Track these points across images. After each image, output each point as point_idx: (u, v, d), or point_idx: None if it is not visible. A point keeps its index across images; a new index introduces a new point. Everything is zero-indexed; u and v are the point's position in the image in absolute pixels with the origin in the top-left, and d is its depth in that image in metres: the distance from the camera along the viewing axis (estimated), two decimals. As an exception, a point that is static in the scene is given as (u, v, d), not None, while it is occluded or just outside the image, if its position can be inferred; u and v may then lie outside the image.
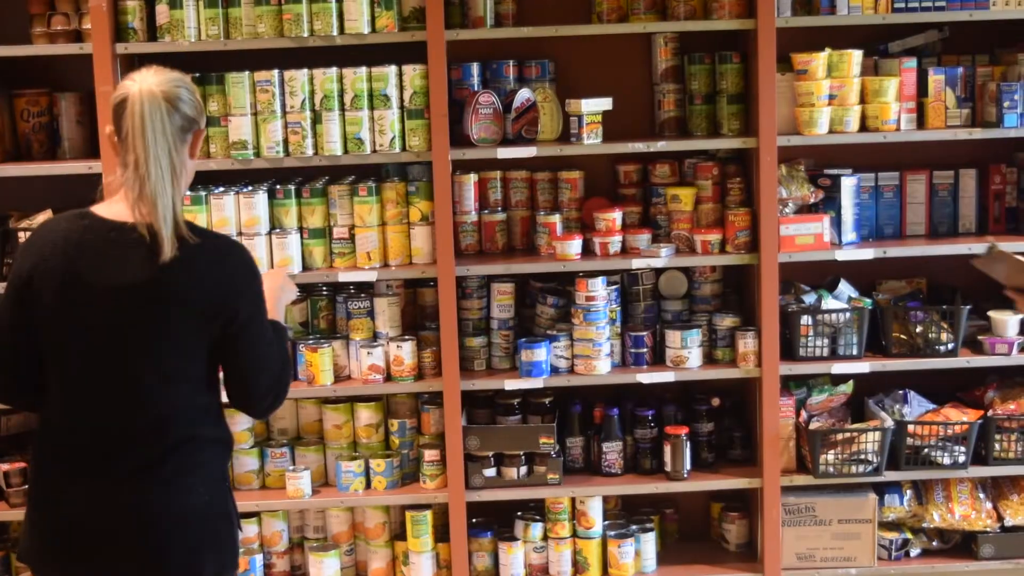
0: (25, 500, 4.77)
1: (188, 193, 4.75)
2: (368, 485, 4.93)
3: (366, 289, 4.94)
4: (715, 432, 5.08)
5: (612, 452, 4.94)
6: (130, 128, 2.97)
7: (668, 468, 4.92)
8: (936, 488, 5.00)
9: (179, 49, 4.70)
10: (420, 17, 4.66)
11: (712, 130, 4.95)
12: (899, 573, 4.98)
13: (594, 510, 4.96)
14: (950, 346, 4.87)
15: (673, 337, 4.87)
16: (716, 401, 5.08)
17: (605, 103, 4.79)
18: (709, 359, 4.95)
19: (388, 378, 4.85)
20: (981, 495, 4.98)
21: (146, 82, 2.99)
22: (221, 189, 4.81)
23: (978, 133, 4.79)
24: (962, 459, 4.86)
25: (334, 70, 4.71)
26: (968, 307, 4.86)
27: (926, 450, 4.87)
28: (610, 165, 5.10)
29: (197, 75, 4.79)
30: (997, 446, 4.88)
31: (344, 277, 4.80)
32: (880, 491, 4.97)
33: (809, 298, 4.95)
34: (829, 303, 4.91)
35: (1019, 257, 3.78)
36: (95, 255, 2.99)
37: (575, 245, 4.79)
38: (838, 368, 4.87)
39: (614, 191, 5.09)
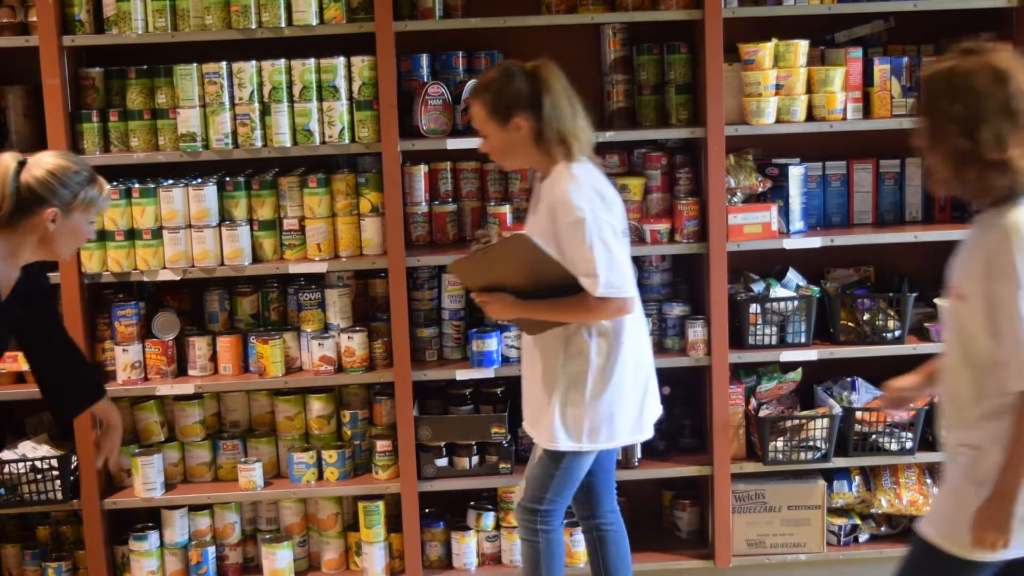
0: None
1: (137, 186, 4.74)
2: (320, 476, 4.93)
3: (317, 281, 4.95)
4: (665, 420, 5.08)
5: (563, 441, 4.96)
6: None
7: (619, 456, 4.94)
8: (884, 474, 5.05)
9: (126, 41, 4.68)
10: (368, 8, 4.66)
11: (661, 120, 4.97)
12: (848, 558, 5.03)
13: (546, 499, 4.98)
14: (897, 333, 4.91)
15: (623, 326, 4.90)
16: (666, 390, 5.08)
17: (554, 94, 4.80)
18: (659, 348, 4.98)
19: (339, 369, 4.85)
20: (928, 480, 5.04)
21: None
22: (170, 182, 4.80)
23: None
24: (909, 445, 4.91)
25: (282, 62, 4.71)
26: (915, 294, 4.91)
27: (874, 436, 4.92)
28: (560, 155, 5.11)
29: (145, 67, 4.79)
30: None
31: (295, 269, 4.80)
32: (829, 477, 5.02)
33: (758, 287, 4.98)
34: (777, 291, 4.94)
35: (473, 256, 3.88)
36: None
37: (525, 235, 4.80)
38: (787, 356, 4.91)
39: (564, 181, 5.10)
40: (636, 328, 4.06)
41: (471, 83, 3.91)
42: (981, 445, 3.13)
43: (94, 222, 3.62)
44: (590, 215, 3.80)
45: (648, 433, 4.18)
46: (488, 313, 4.06)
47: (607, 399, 3.99)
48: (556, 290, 3.86)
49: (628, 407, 4.06)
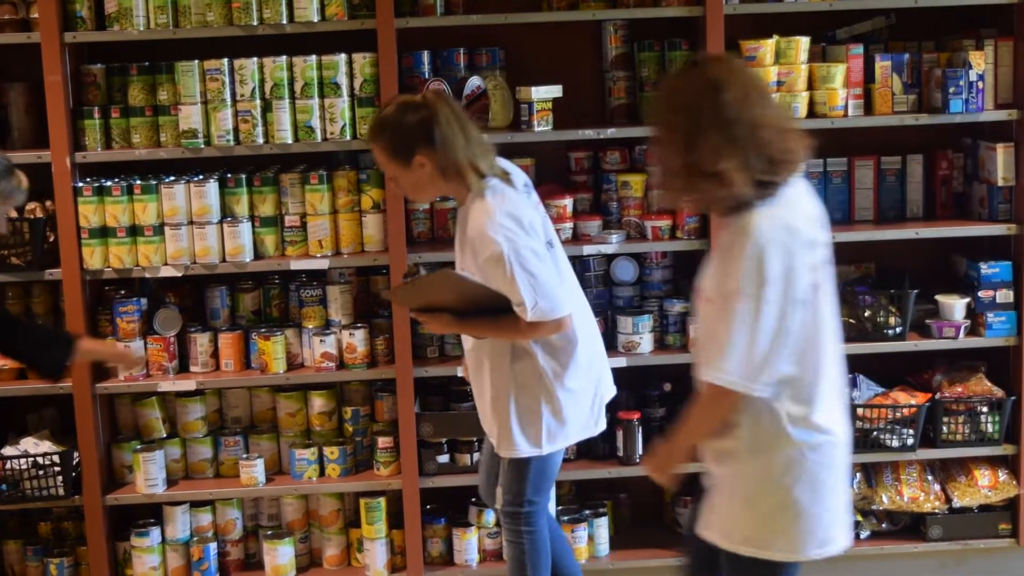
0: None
1: (138, 182, 4.75)
2: (322, 473, 4.94)
3: (318, 277, 4.95)
4: (667, 417, 5.10)
5: (565, 438, 4.96)
6: None
7: (621, 453, 4.96)
8: (885, 471, 5.05)
9: (127, 38, 4.69)
10: (370, 5, 4.67)
11: (662, 117, 4.96)
12: (849, 555, 4.97)
13: (547, 495, 4.99)
14: (898, 330, 4.91)
15: (624, 323, 4.90)
16: (667, 386, 5.11)
17: (555, 90, 4.81)
18: (660, 344, 4.98)
19: (341, 366, 4.86)
20: (929, 477, 5.04)
21: None
22: (172, 178, 4.80)
23: (924, 119, 4.84)
24: (910, 442, 4.91)
25: (284, 58, 4.71)
26: (916, 291, 4.91)
27: (875, 433, 4.92)
28: (561, 152, 5.12)
29: (146, 64, 4.79)
30: (945, 428, 4.94)
31: (296, 265, 4.81)
32: (830, 474, 5.01)
33: (759, 283, 4.98)
34: (779, 288, 4.94)
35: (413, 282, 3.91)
36: None
37: (526, 232, 4.80)
38: (788, 352, 4.91)
39: (565, 178, 5.11)
40: (583, 324, 4.05)
41: (369, 126, 3.90)
42: (736, 449, 3.20)
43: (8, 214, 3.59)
44: (507, 246, 3.75)
45: (602, 425, 4.20)
46: (430, 331, 4.06)
47: (560, 401, 4.00)
48: (493, 309, 3.86)
49: (582, 404, 4.08)
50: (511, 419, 4.00)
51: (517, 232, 3.79)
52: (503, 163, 4.03)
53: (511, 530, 4.17)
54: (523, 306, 3.77)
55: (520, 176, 4.04)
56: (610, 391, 4.23)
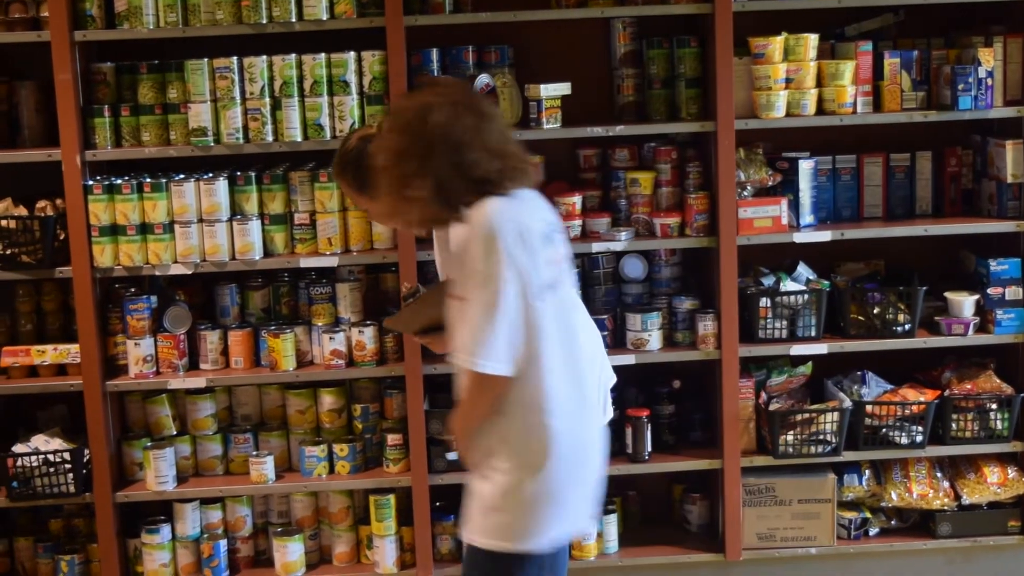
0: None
1: (148, 180, 4.76)
2: (331, 470, 4.95)
3: (328, 275, 4.96)
4: (676, 414, 5.12)
5: (574, 435, 4.96)
6: None
7: (629, 450, 4.96)
8: (894, 468, 5.05)
9: (137, 36, 4.70)
10: (379, 3, 4.67)
11: (671, 114, 4.97)
12: (858, 552, 5.04)
13: (556, 492, 4.99)
14: (907, 327, 4.91)
15: (633, 320, 4.91)
16: (676, 383, 5.12)
17: (564, 88, 4.81)
18: (669, 342, 4.99)
19: (350, 363, 4.86)
20: (938, 474, 5.04)
21: None
22: (181, 176, 4.81)
23: (933, 116, 4.84)
24: (919, 439, 4.91)
25: (293, 56, 4.72)
26: (925, 288, 4.90)
27: (884, 430, 4.92)
28: (570, 149, 5.12)
29: (156, 62, 4.81)
30: (954, 425, 4.94)
31: (305, 263, 4.82)
32: (839, 471, 5.02)
33: (768, 280, 4.99)
34: (788, 285, 4.95)
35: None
36: None
37: (535, 229, 4.81)
38: (797, 350, 4.92)
39: (574, 175, 5.12)
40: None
41: (333, 162, 3.90)
42: (490, 446, 3.23)
43: None
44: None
45: (609, 413, 4.15)
46: (435, 351, 4.04)
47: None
48: None
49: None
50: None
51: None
52: None
53: None
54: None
55: None
56: (611, 378, 4.20)
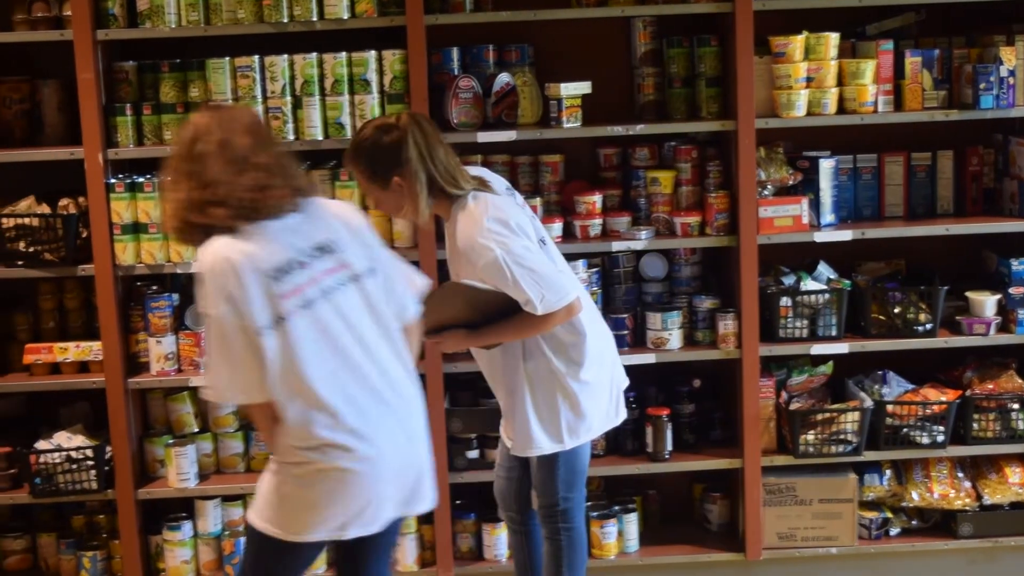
0: (10, 485, 4.83)
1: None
2: (352, 468, 4.95)
3: (348, 273, 4.96)
4: (696, 413, 5.11)
5: (594, 433, 4.97)
6: None
7: (650, 449, 4.96)
8: (915, 468, 5.03)
9: (159, 35, 4.72)
10: (399, 2, 4.68)
11: (691, 113, 4.97)
12: (879, 552, 5.02)
13: (576, 491, 4.99)
14: (928, 326, 4.90)
15: (653, 319, 4.90)
16: (697, 383, 5.11)
17: (584, 87, 4.81)
18: (689, 341, 4.98)
19: (371, 361, 4.87)
20: (960, 474, 5.02)
21: None
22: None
23: (955, 115, 4.83)
24: (941, 439, 4.90)
25: (314, 55, 4.73)
26: (946, 288, 4.89)
27: (905, 430, 4.91)
28: (590, 148, 5.12)
29: (178, 61, 4.83)
30: (975, 425, 4.92)
31: (326, 261, 4.82)
32: (860, 471, 5.01)
33: (788, 280, 4.98)
34: (808, 284, 4.94)
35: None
36: None
37: (556, 228, 4.82)
38: (818, 349, 4.91)
39: (594, 174, 5.12)
40: (590, 315, 4.08)
41: (347, 150, 3.96)
42: (274, 446, 3.45)
43: None
44: (499, 250, 3.79)
45: (623, 414, 4.22)
46: (445, 350, 4.07)
47: (577, 395, 4.01)
48: (503, 312, 3.89)
49: (600, 396, 4.09)
50: (529, 418, 4.01)
51: (505, 234, 3.83)
52: (480, 171, 4.09)
53: (549, 528, 4.19)
54: (531, 303, 3.81)
55: (500, 181, 4.07)
56: (624, 380, 4.24)
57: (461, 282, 3.91)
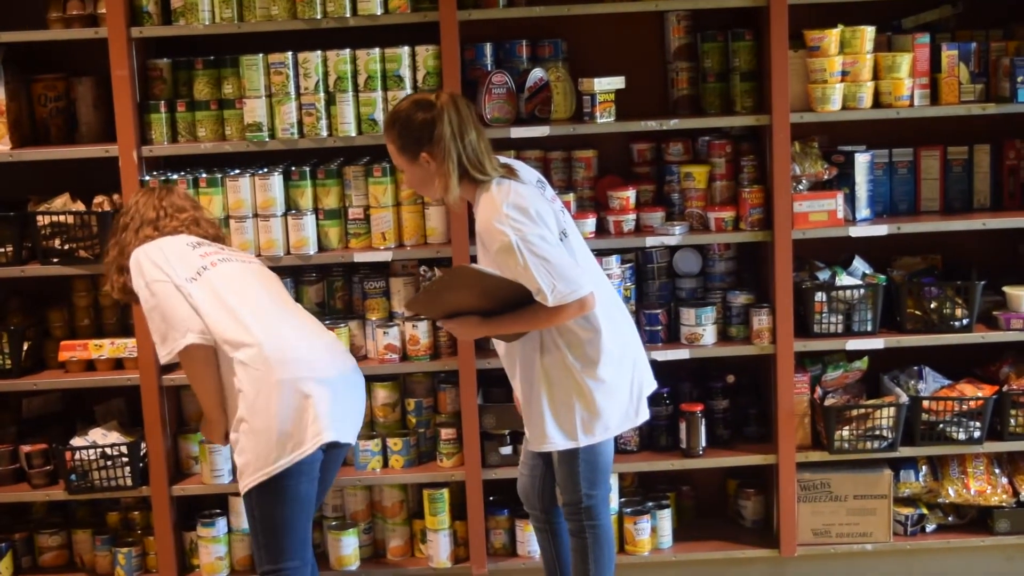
0: (46, 481, 4.85)
1: (204, 176, 4.79)
2: (385, 464, 4.96)
3: (381, 269, 4.97)
4: (730, 409, 5.10)
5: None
6: None
7: (684, 445, 4.95)
8: (951, 464, 5.01)
9: (193, 32, 4.73)
10: (432, -2, 4.69)
11: (725, 108, 4.95)
12: (915, 548, 5.00)
13: (610, 487, 4.99)
14: (965, 322, 4.87)
15: (687, 314, 4.89)
16: (731, 378, 5.10)
17: (618, 82, 4.80)
18: (723, 336, 4.97)
19: (404, 357, 4.88)
20: (996, 470, 4.99)
21: None
22: (236, 171, 4.84)
23: (992, 108, 4.79)
24: (977, 434, 4.87)
25: (347, 51, 4.73)
26: (983, 282, 4.86)
27: (941, 426, 4.88)
28: (624, 144, 5.11)
29: (212, 58, 4.83)
30: (1012, 421, 4.89)
31: (359, 258, 4.83)
32: (895, 467, 4.98)
33: (823, 275, 4.95)
34: (843, 279, 4.91)
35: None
36: None
37: (589, 224, 4.81)
38: (853, 344, 4.88)
39: (628, 169, 5.11)
40: (610, 313, 4.05)
41: (384, 118, 3.97)
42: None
43: None
44: (514, 235, 3.78)
45: (644, 415, 4.18)
46: (458, 337, 4.05)
47: (592, 393, 3.99)
48: (517, 302, 3.88)
49: (618, 395, 4.05)
50: (544, 413, 4.00)
51: (523, 221, 3.81)
52: (512, 162, 4.07)
53: (575, 524, 4.18)
54: (542, 292, 3.79)
55: (532, 173, 4.07)
56: (649, 383, 4.20)
57: (472, 266, 3.89)
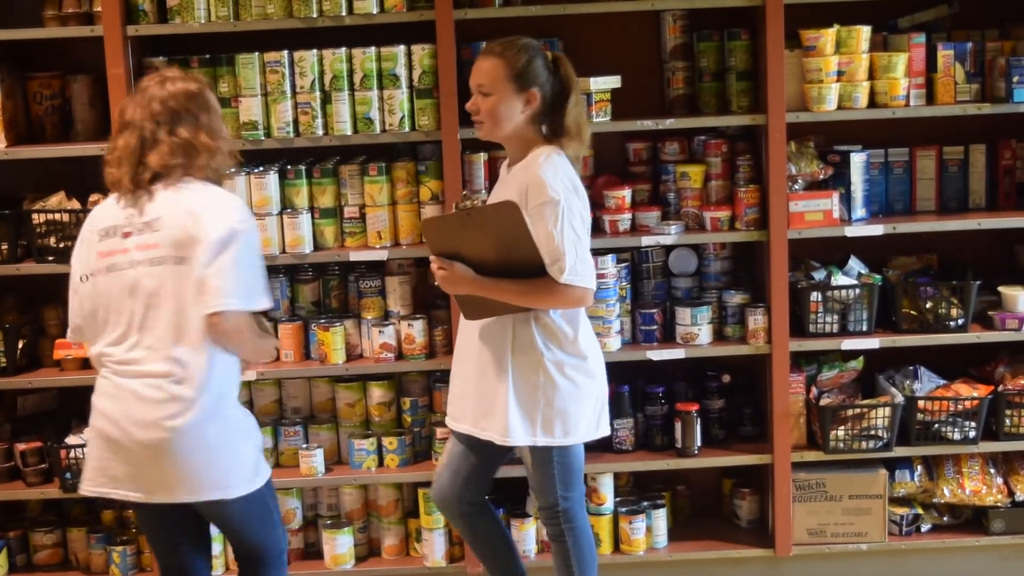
0: (41, 479, 4.84)
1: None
2: (380, 463, 4.96)
3: (377, 268, 4.97)
4: (725, 408, 5.10)
5: (623, 429, 4.96)
6: None
7: (679, 445, 4.95)
8: (947, 463, 5.01)
9: (189, 31, 4.73)
10: (428, -4, 4.69)
11: (721, 107, 4.95)
12: (910, 548, 5.00)
13: (605, 487, 4.98)
14: (960, 321, 4.87)
15: (683, 314, 4.89)
16: (726, 378, 5.10)
17: (614, 81, 4.80)
18: (719, 336, 4.97)
19: (400, 356, 4.88)
20: (992, 470, 4.99)
21: None
22: (232, 170, 4.81)
23: (987, 108, 4.79)
24: (972, 434, 4.87)
25: (343, 50, 4.73)
26: (978, 283, 4.86)
27: (936, 426, 4.88)
28: (619, 143, 5.11)
29: (207, 56, 4.83)
30: (1008, 421, 4.89)
31: (355, 256, 4.83)
32: (891, 467, 4.98)
33: (819, 274, 4.95)
34: (839, 279, 4.91)
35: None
36: None
37: (585, 223, 4.80)
38: (848, 344, 4.88)
39: (624, 169, 5.11)
40: (589, 322, 4.13)
41: (503, 40, 3.94)
42: None
43: None
44: (564, 200, 3.82)
45: (606, 430, 4.18)
46: (441, 283, 3.99)
47: (563, 392, 4.00)
48: (518, 272, 3.86)
49: (587, 400, 4.06)
50: (508, 406, 3.99)
51: (575, 197, 3.88)
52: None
53: (553, 528, 4.19)
54: (561, 263, 3.80)
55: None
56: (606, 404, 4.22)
57: (520, 209, 3.79)
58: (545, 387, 3.98)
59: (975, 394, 4.87)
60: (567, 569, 4.20)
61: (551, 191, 3.81)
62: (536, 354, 3.97)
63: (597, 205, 4.93)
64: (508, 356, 3.98)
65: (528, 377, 3.98)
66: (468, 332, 4.10)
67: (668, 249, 5.02)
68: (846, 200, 4.88)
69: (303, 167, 4.86)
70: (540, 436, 4.01)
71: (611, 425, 4.90)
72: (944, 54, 4.79)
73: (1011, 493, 4.95)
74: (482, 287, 3.92)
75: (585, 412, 4.06)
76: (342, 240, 4.88)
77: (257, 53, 4.74)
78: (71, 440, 4.88)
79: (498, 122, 3.98)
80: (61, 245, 4.78)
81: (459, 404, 4.18)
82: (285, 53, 4.73)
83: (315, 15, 4.68)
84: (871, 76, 4.80)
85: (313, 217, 4.85)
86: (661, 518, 5.03)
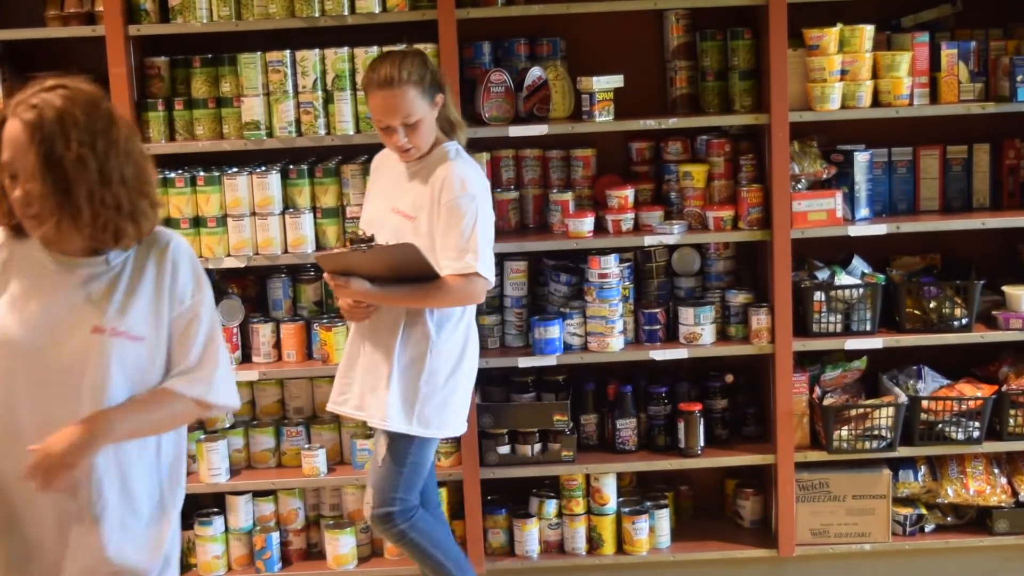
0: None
1: (202, 174, 4.78)
2: (383, 463, 4.95)
3: (379, 268, 4.96)
4: (729, 408, 5.09)
5: (626, 429, 4.95)
6: None
7: (682, 445, 4.94)
8: (950, 464, 4.99)
9: (191, 30, 4.72)
10: (431, -4, 4.68)
11: (724, 107, 4.94)
12: (914, 549, 4.99)
13: (608, 487, 4.98)
14: (964, 321, 4.86)
15: (686, 314, 4.88)
16: (729, 378, 5.09)
17: (617, 80, 4.79)
18: (722, 336, 4.96)
19: (402, 356, 4.87)
20: (995, 470, 4.98)
21: None
22: (234, 170, 4.83)
23: (991, 107, 4.78)
24: (976, 434, 4.86)
25: (345, 50, 4.72)
26: (982, 282, 4.85)
27: (940, 425, 4.87)
28: (622, 142, 5.10)
29: (209, 56, 4.82)
30: (1011, 421, 4.88)
31: (357, 256, 4.82)
32: (894, 467, 4.97)
33: (822, 274, 4.94)
34: (842, 279, 4.90)
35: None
36: None
37: (587, 223, 4.79)
38: (851, 344, 4.87)
39: (626, 168, 5.10)
40: (474, 322, 4.23)
41: (399, 65, 3.96)
42: None
43: None
44: (479, 200, 3.98)
45: (463, 428, 4.26)
46: (342, 296, 4.07)
47: (446, 389, 4.09)
48: (410, 280, 3.97)
49: (461, 400, 4.16)
50: (391, 390, 4.05)
51: (485, 196, 4.07)
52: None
53: (392, 533, 4.20)
54: (474, 254, 3.91)
55: None
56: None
57: (419, 249, 3.86)
58: (431, 378, 4.07)
59: (979, 394, 4.86)
60: (431, 560, 4.24)
61: (470, 186, 3.98)
62: (429, 340, 4.06)
63: (600, 205, 4.93)
64: (399, 336, 4.06)
65: (416, 362, 4.07)
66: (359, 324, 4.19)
67: (671, 249, 5.01)
68: (849, 199, 4.87)
69: (305, 167, 4.85)
70: (416, 426, 4.08)
71: (615, 425, 4.94)
72: (948, 53, 4.77)
73: (1015, 493, 4.94)
74: (380, 297, 4.02)
75: (456, 408, 4.16)
76: (344, 240, 4.87)
77: (259, 53, 4.73)
78: (73, 440, 4.86)
79: (427, 141, 4.08)
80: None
81: (350, 387, 4.23)
82: (287, 53, 4.72)
83: (317, 14, 4.68)
84: (874, 75, 4.78)
85: (315, 217, 4.84)
86: (664, 518, 5.02)
